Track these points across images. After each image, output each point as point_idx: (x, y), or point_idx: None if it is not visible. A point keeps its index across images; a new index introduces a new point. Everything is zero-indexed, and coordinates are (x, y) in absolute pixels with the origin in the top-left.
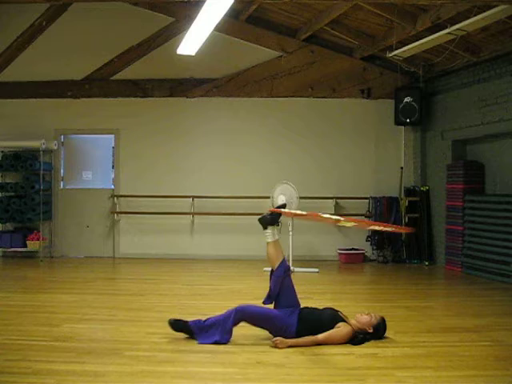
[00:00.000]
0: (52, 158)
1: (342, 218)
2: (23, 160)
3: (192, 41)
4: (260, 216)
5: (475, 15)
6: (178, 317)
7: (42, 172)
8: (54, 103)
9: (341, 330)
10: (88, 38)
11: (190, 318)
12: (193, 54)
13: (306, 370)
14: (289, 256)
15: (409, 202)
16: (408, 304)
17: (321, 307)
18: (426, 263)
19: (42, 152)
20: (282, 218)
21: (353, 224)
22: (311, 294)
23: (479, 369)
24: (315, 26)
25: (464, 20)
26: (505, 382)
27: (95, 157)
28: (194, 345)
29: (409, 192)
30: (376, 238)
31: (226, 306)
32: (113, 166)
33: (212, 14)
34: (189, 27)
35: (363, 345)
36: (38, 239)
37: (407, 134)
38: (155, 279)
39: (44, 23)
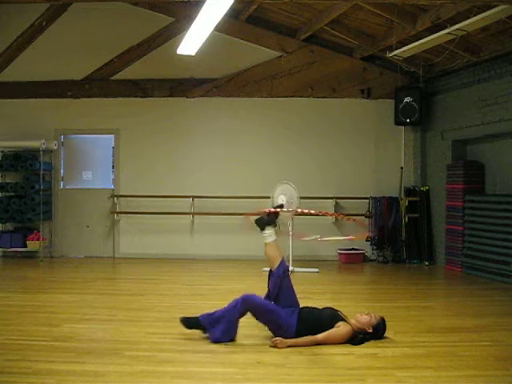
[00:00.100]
0: (52, 158)
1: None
2: (23, 160)
3: (192, 41)
4: (256, 218)
5: (475, 15)
6: (179, 316)
7: (42, 172)
8: (53, 103)
9: (340, 329)
10: (88, 38)
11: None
12: (193, 54)
13: (305, 370)
14: (289, 256)
15: (409, 201)
16: (408, 304)
17: (320, 307)
18: (426, 263)
19: (41, 152)
20: (281, 218)
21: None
22: (311, 294)
23: (479, 369)
24: (315, 26)
25: (464, 20)
26: (505, 382)
27: (95, 157)
28: (194, 345)
29: (409, 192)
30: (376, 238)
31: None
32: (113, 166)
33: (212, 13)
34: (189, 27)
35: (363, 345)
36: (38, 239)
37: (407, 134)
38: (155, 279)
39: (44, 23)
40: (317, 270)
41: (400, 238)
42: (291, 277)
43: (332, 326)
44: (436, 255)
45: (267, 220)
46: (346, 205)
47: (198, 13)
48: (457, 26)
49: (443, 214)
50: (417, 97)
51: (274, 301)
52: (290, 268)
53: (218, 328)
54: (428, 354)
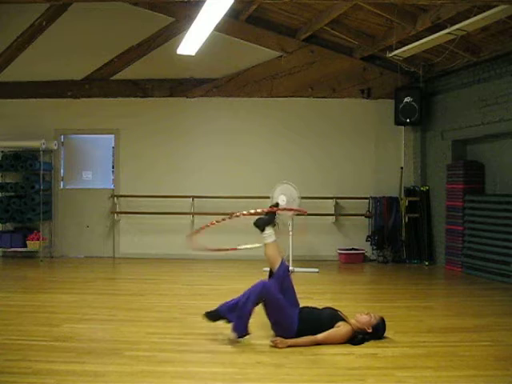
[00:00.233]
0: (52, 158)
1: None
2: (23, 160)
3: (192, 41)
4: (254, 219)
5: (475, 15)
6: (179, 316)
7: (42, 172)
8: (53, 103)
9: (340, 329)
10: (88, 38)
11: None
12: (193, 54)
13: (305, 370)
14: (289, 256)
15: (409, 201)
16: (408, 304)
17: (320, 307)
18: (426, 263)
19: (42, 152)
20: (282, 219)
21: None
22: (311, 294)
23: (479, 369)
24: (315, 26)
25: (464, 20)
26: (505, 382)
27: (95, 157)
28: (194, 345)
29: (409, 192)
30: (376, 238)
31: None
32: (113, 166)
33: (212, 13)
34: (189, 27)
35: (363, 345)
36: (38, 239)
37: (407, 134)
38: (155, 279)
39: (44, 23)
40: (317, 269)
41: (400, 238)
42: (291, 277)
43: (332, 326)
44: (436, 255)
45: (267, 219)
46: (346, 205)
47: (198, 13)
48: (457, 26)
49: (443, 214)
50: (417, 97)
51: None
52: (290, 268)
53: (235, 315)
54: (428, 354)
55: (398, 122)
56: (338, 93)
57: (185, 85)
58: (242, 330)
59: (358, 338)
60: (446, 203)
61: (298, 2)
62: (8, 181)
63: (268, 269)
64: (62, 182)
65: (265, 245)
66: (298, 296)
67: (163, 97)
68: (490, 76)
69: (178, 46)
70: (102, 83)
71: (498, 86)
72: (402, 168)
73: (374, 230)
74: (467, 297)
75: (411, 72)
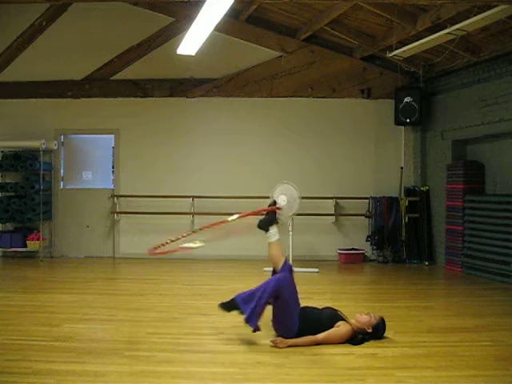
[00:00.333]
0: (52, 158)
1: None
2: (23, 160)
3: (192, 41)
4: (258, 222)
5: (475, 15)
6: (178, 316)
7: (42, 172)
8: (53, 103)
9: (340, 329)
10: (88, 38)
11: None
12: (193, 54)
13: (305, 370)
14: (289, 256)
15: (409, 201)
16: (408, 304)
17: (320, 307)
18: (426, 263)
19: (42, 152)
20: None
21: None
22: (311, 294)
23: (479, 369)
24: (315, 26)
25: (464, 20)
26: (505, 382)
27: (95, 157)
28: (194, 345)
29: (409, 192)
30: (376, 238)
31: None
32: (113, 166)
33: (212, 13)
34: (189, 27)
35: (363, 345)
36: (38, 239)
37: (407, 134)
38: (155, 279)
39: (44, 23)
40: (317, 269)
41: (400, 237)
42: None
43: (332, 326)
44: (436, 255)
45: (269, 219)
46: (346, 205)
47: (198, 13)
48: (457, 26)
49: (443, 214)
50: (417, 97)
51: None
52: None
53: (248, 306)
54: (428, 354)
55: (397, 122)
56: (338, 93)
57: (185, 85)
58: (253, 323)
59: (357, 337)
60: (445, 203)
61: (298, 2)
62: (8, 181)
63: (268, 269)
64: (61, 182)
65: (268, 244)
66: (298, 296)
67: (163, 97)
68: (489, 76)
69: (177, 46)
70: (101, 83)
71: (498, 86)
72: (401, 168)
73: (374, 230)
74: (467, 297)
75: (411, 72)
